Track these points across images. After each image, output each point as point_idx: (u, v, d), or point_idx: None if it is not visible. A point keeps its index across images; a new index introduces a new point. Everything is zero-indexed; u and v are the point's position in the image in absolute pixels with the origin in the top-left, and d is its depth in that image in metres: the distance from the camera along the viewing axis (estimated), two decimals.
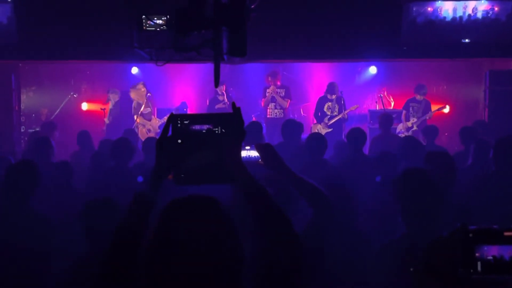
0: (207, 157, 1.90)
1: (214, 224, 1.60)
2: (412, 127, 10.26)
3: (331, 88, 10.74)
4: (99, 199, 3.55)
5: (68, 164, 5.47)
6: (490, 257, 1.34)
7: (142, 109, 10.73)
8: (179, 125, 1.91)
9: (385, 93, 12.47)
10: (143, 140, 10.52)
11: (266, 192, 1.86)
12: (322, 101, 10.81)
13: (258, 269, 1.79)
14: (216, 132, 1.92)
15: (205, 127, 1.92)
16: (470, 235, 1.35)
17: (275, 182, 3.79)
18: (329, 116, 10.60)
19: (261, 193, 1.86)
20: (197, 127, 1.92)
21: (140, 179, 5.81)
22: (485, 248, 1.34)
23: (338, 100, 10.66)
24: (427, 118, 10.44)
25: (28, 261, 3.85)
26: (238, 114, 1.96)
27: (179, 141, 1.90)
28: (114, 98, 11.41)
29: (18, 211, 4.09)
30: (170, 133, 1.92)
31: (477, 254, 1.34)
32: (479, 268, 1.33)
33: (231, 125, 1.93)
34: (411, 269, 1.49)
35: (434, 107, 10.69)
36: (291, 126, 7.07)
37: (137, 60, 9.68)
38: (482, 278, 1.33)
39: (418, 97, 10.65)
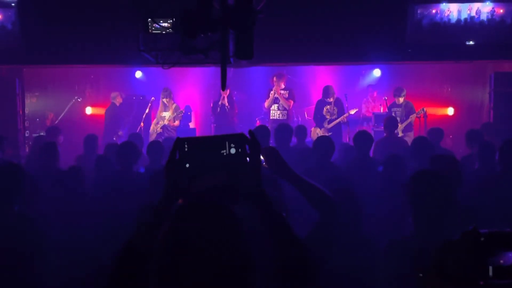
0: (216, 180, 1.87)
1: (223, 228, 1.59)
2: (397, 133, 10.09)
3: (326, 92, 10.72)
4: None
5: (80, 170, 5.45)
6: (502, 262, 1.32)
7: (170, 113, 10.77)
8: (186, 149, 1.88)
9: (375, 94, 12.46)
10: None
11: (279, 216, 1.86)
12: (320, 104, 10.80)
13: (271, 272, 1.78)
14: (224, 154, 1.89)
15: (213, 149, 1.89)
16: (482, 238, 1.33)
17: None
18: (328, 119, 10.58)
19: (275, 218, 1.85)
20: (204, 150, 1.89)
21: (142, 170, 5.82)
22: (497, 252, 1.32)
23: (337, 103, 10.64)
24: (411, 120, 10.34)
25: (13, 264, 3.80)
26: (253, 138, 1.91)
27: (187, 165, 1.87)
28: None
29: (1, 215, 4.02)
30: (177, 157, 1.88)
31: (488, 258, 1.32)
32: (490, 272, 1.31)
33: (240, 147, 1.89)
34: (420, 275, 1.46)
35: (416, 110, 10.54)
36: (283, 131, 7.06)
37: (142, 64, 9.68)
38: (493, 283, 1.31)
39: (398, 100, 10.62)
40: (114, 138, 11.00)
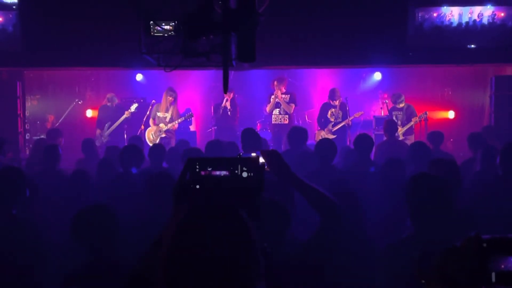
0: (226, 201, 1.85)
1: (232, 232, 1.56)
2: (398, 136, 9.93)
3: (332, 94, 10.69)
4: (91, 207, 3.50)
5: (85, 173, 5.43)
6: (504, 267, 1.31)
7: (168, 115, 10.62)
8: (197, 169, 1.86)
9: (385, 96, 12.43)
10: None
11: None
12: (325, 107, 10.76)
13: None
14: (236, 176, 1.87)
15: (224, 171, 1.87)
16: (484, 244, 1.33)
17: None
18: (333, 123, 10.56)
19: None
20: (216, 171, 1.87)
21: (134, 170, 5.79)
22: (499, 258, 1.32)
23: (342, 107, 10.62)
24: (413, 124, 10.27)
25: (11, 269, 3.78)
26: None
27: (197, 186, 1.85)
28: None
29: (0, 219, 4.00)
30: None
31: (491, 264, 1.31)
32: (493, 278, 1.30)
33: (252, 171, 1.87)
34: (423, 281, 1.46)
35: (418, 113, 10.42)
36: (298, 133, 7.03)
37: (144, 67, 9.67)
38: None
39: (398, 105, 10.60)
40: (97, 143, 10.93)
